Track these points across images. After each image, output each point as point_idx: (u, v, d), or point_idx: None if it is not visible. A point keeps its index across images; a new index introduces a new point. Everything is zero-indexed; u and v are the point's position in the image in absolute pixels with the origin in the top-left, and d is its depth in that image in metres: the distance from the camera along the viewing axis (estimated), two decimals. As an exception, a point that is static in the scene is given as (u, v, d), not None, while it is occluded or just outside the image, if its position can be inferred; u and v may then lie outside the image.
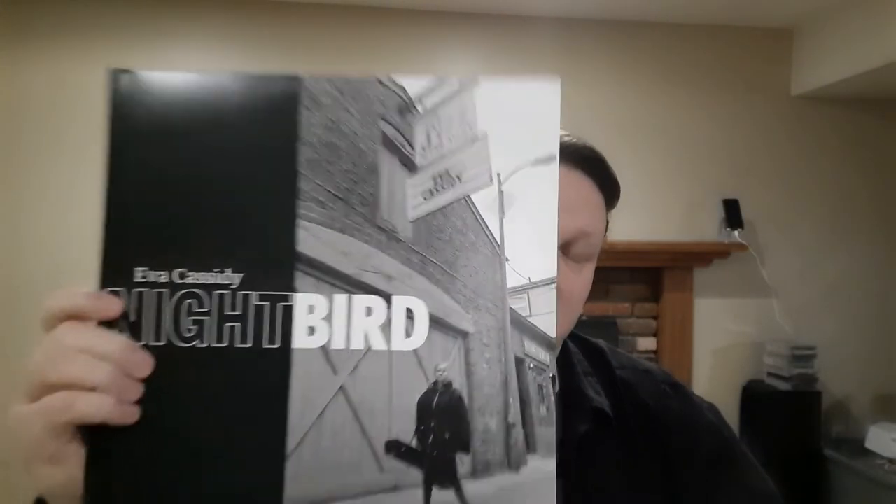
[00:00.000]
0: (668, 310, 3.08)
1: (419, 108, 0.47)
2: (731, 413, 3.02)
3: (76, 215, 2.66)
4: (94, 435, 0.44)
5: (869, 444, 2.82)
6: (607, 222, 0.71)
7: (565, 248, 0.64)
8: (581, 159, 0.65)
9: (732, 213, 2.98)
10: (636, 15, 2.94)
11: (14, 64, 2.72)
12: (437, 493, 0.44)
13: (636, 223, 2.94)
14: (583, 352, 0.78)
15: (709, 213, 3.05)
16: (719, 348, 3.11)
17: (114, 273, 0.45)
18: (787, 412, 2.85)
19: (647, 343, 3.15)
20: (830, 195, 3.11)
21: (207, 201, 0.45)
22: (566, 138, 0.65)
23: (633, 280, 3.11)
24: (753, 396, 3.01)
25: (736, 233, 2.96)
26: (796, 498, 2.68)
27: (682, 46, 3.03)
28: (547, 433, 0.47)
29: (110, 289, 0.45)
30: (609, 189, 0.69)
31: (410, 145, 0.47)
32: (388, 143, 0.47)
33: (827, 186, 3.11)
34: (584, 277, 0.66)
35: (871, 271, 3.14)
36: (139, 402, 0.44)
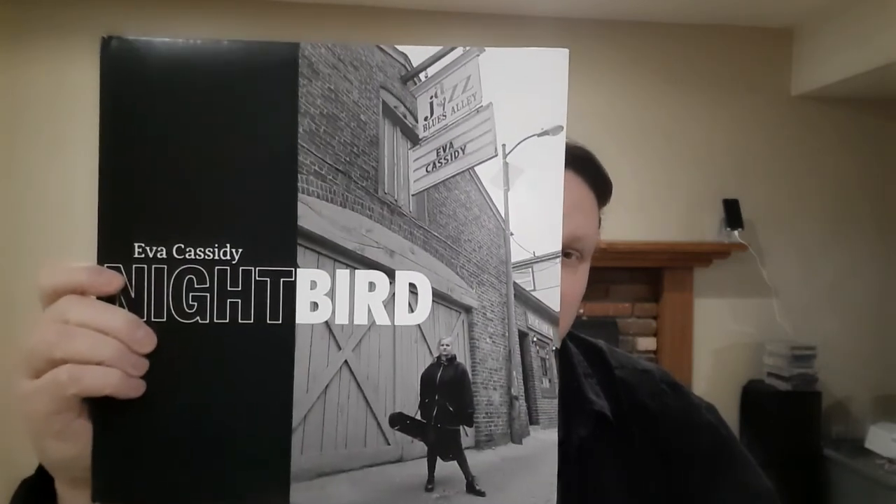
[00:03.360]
0: (668, 310, 3.07)
1: (422, 77, 0.46)
2: (731, 413, 3.02)
3: (77, 215, 2.66)
4: (100, 410, 0.44)
5: (869, 444, 2.82)
6: (600, 220, 0.70)
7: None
8: (572, 159, 0.65)
9: (732, 213, 2.98)
10: (636, 15, 2.94)
11: (14, 64, 2.72)
12: (441, 464, 0.45)
13: (636, 223, 2.94)
14: (582, 352, 0.78)
15: (709, 213, 3.04)
16: (719, 348, 3.10)
17: (112, 249, 0.44)
18: (787, 412, 2.85)
19: (647, 343, 3.14)
20: (831, 195, 3.11)
21: (205, 175, 0.44)
22: None
23: (633, 280, 3.11)
24: (753, 396, 3.01)
25: (736, 233, 2.96)
26: (796, 498, 2.68)
27: (682, 46, 3.03)
28: (549, 405, 0.48)
29: (109, 265, 0.44)
30: (601, 187, 0.68)
31: (413, 116, 0.46)
32: (390, 114, 0.46)
33: (827, 186, 3.11)
34: (579, 278, 0.66)
35: (871, 271, 3.13)
36: (144, 376, 0.44)
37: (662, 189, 3.03)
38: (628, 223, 2.90)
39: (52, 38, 2.73)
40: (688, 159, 3.04)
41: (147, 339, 0.43)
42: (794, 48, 3.06)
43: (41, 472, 0.54)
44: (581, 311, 2.97)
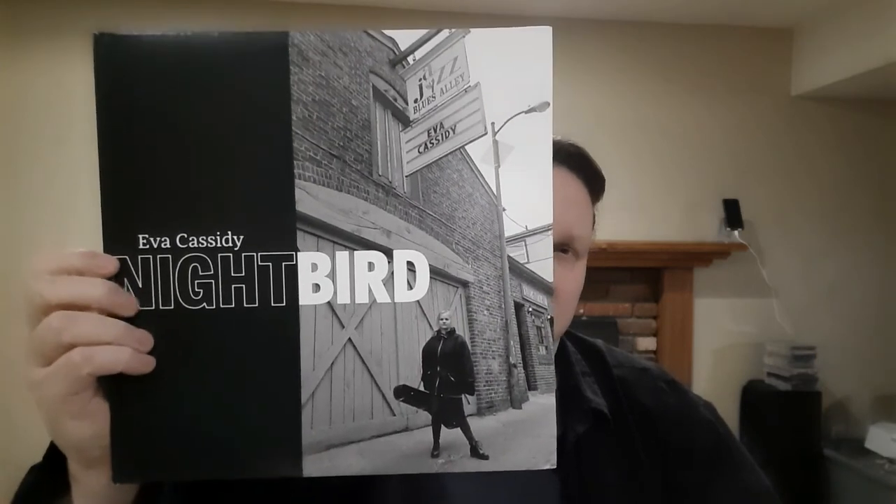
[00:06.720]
0: (668, 310, 3.07)
1: (410, 60, 0.47)
2: (731, 413, 3.02)
3: (77, 216, 2.65)
4: (116, 390, 0.45)
5: (869, 444, 2.82)
6: (594, 217, 0.71)
7: (555, 248, 0.64)
8: (565, 156, 0.66)
9: (732, 213, 2.98)
10: (636, 15, 2.94)
11: (14, 64, 2.72)
12: (445, 431, 0.47)
13: (636, 223, 2.94)
14: (581, 351, 0.78)
15: (709, 213, 3.05)
16: (719, 348, 3.10)
17: (117, 241, 0.45)
18: (787, 412, 2.85)
19: (647, 343, 3.14)
20: (830, 195, 3.11)
21: (203, 166, 0.45)
22: None
23: (633, 280, 3.11)
24: (753, 396, 3.01)
25: (736, 233, 2.97)
26: (796, 498, 2.68)
27: (682, 46, 3.03)
28: (546, 371, 0.50)
29: (116, 257, 0.45)
30: (595, 184, 0.69)
31: (403, 99, 0.47)
32: (381, 98, 0.47)
33: (827, 186, 3.11)
34: (576, 275, 0.67)
35: (871, 271, 3.13)
36: (158, 360, 0.45)
37: (662, 189, 3.03)
38: (628, 223, 2.90)
39: (48, 37, 2.73)
40: (688, 159, 3.05)
41: (127, 304, 0.45)
42: (794, 48, 3.06)
43: (50, 457, 0.54)
44: (581, 311, 2.98)
